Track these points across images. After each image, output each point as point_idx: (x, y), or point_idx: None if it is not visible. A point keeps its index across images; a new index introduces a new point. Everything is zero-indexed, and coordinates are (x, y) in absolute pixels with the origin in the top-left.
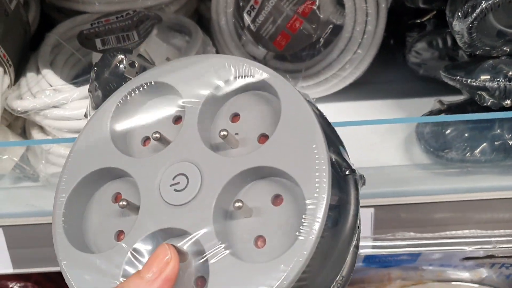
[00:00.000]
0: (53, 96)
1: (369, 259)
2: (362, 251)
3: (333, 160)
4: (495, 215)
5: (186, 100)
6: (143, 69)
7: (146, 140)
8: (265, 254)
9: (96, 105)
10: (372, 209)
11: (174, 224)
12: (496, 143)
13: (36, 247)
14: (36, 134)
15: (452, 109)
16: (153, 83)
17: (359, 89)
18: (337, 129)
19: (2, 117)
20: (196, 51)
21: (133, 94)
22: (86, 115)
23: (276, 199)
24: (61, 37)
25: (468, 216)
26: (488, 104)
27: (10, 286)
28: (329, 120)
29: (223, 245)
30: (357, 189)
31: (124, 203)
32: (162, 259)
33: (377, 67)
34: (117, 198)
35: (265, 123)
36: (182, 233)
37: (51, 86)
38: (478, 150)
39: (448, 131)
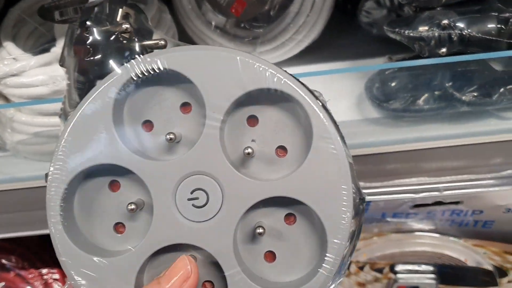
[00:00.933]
0: (11, 65)
1: None
2: None
3: (354, 198)
4: (442, 163)
5: (209, 104)
6: (140, 22)
7: (146, 123)
8: (274, 270)
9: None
10: None
11: (193, 241)
12: (436, 92)
13: (7, 213)
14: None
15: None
16: (168, 70)
17: (317, 53)
18: None
19: None
20: (151, 18)
21: (142, 77)
22: (62, 64)
23: (289, 217)
24: (24, 12)
25: (417, 166)
26: (427, 54)
27: None
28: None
29: (239, 266)
30: (362, 214)
31: (133, 207)
32: (184, 273)
33: (334, 31)
34: (113, 186)
35: (284, 134)
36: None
37: (11, 56)
38: (421, 99)
39: (393, 84)
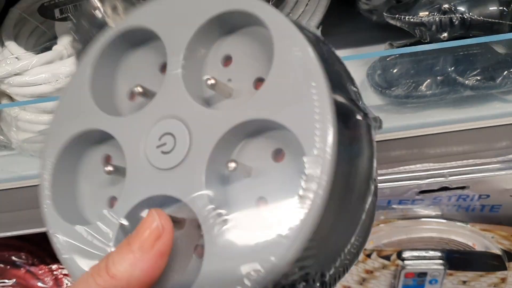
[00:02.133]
0: (14, 64)
1: None
2: None
3: (341, 103)
4: (447, 149)
5: (167, 44)
6: (128, 11)
7: (132, 94)
8: (267, 216)
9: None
10: None
11: (164, 191)
12: (439, 77)
13: (15, 211)
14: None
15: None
16: (129, 30)
17: None
18: None
19: None
20: None
21: (112, 45)
22: None
23: (277, 155)
24: (25, 11)
25: (422, 152)
26: (428, 39)
27: (7, 256)
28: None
29: (218, 211)
30: (370, 135)
31: (110, 168)
32: (154, 230)
33: (334, 19)
34: (107, 160)
35: (261, 65)
36: (175, 200)
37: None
38: (424, 85)
39: (395, 70)
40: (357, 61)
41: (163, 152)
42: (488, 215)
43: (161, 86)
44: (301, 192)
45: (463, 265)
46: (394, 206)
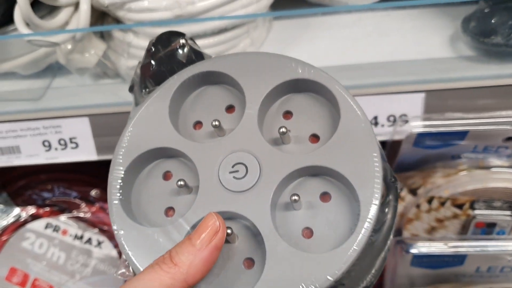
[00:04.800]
0: None
1: (418, 140)
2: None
3: (384, 168)
4: None
5: (247, 94)
6: (192, 51)
7: (197, 124)
8: (312, 245)
9: (150, 82)
10: (422, 94)
11: (233, 209)
12: None
13: (119, 135)
14: (116, 33)
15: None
16: (215, 72)
17: None
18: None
19: None
20: None
21: (192, 79)
22: (131, 89)
23: (324, 196)
24: None
25: (511, 101)
26: None
27: (84, 191)
28: None
29: (278, 233)
30: (397, 194)
31: (182, 183)
32: (212, 228)
33: None
34: (166, 175)
35: (316, 124)
36: (236, 217)
37: None
38: None
39: (493, 20)
40: (447, 16)
41: (235, 178)
42: None
43: (231, 122)
44: (352, 227)
45: None
46: (474, 154)
